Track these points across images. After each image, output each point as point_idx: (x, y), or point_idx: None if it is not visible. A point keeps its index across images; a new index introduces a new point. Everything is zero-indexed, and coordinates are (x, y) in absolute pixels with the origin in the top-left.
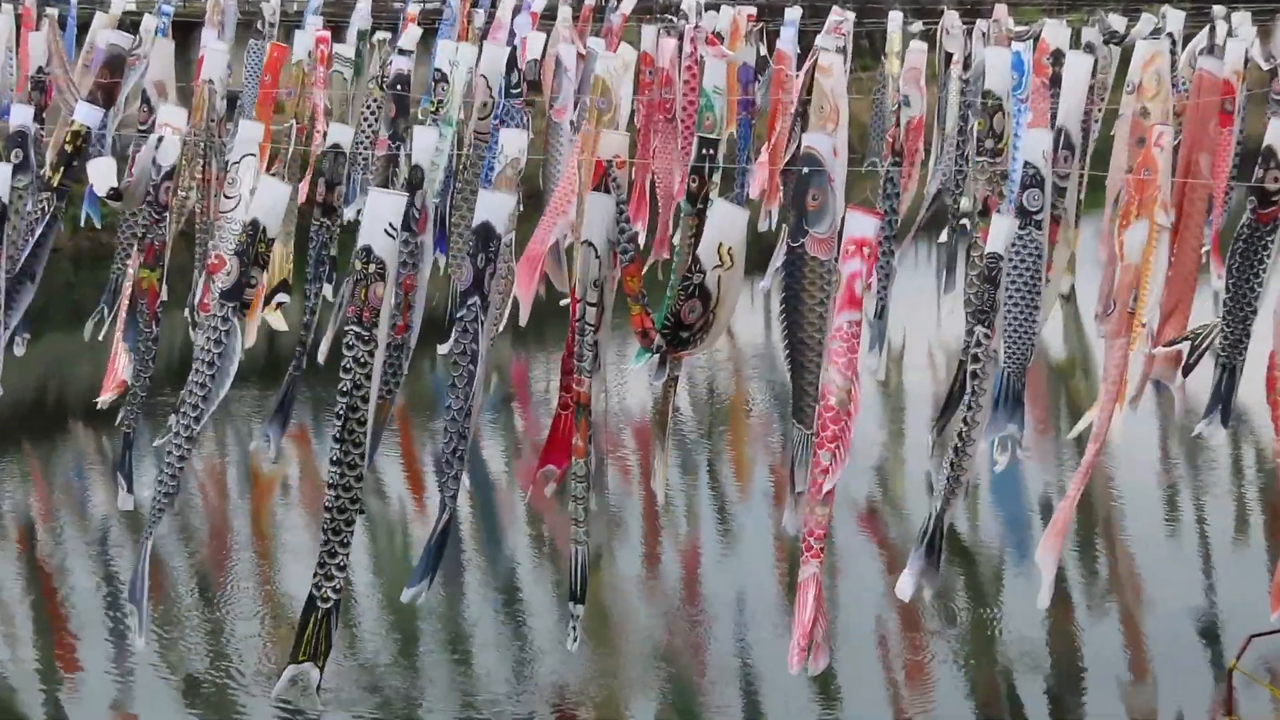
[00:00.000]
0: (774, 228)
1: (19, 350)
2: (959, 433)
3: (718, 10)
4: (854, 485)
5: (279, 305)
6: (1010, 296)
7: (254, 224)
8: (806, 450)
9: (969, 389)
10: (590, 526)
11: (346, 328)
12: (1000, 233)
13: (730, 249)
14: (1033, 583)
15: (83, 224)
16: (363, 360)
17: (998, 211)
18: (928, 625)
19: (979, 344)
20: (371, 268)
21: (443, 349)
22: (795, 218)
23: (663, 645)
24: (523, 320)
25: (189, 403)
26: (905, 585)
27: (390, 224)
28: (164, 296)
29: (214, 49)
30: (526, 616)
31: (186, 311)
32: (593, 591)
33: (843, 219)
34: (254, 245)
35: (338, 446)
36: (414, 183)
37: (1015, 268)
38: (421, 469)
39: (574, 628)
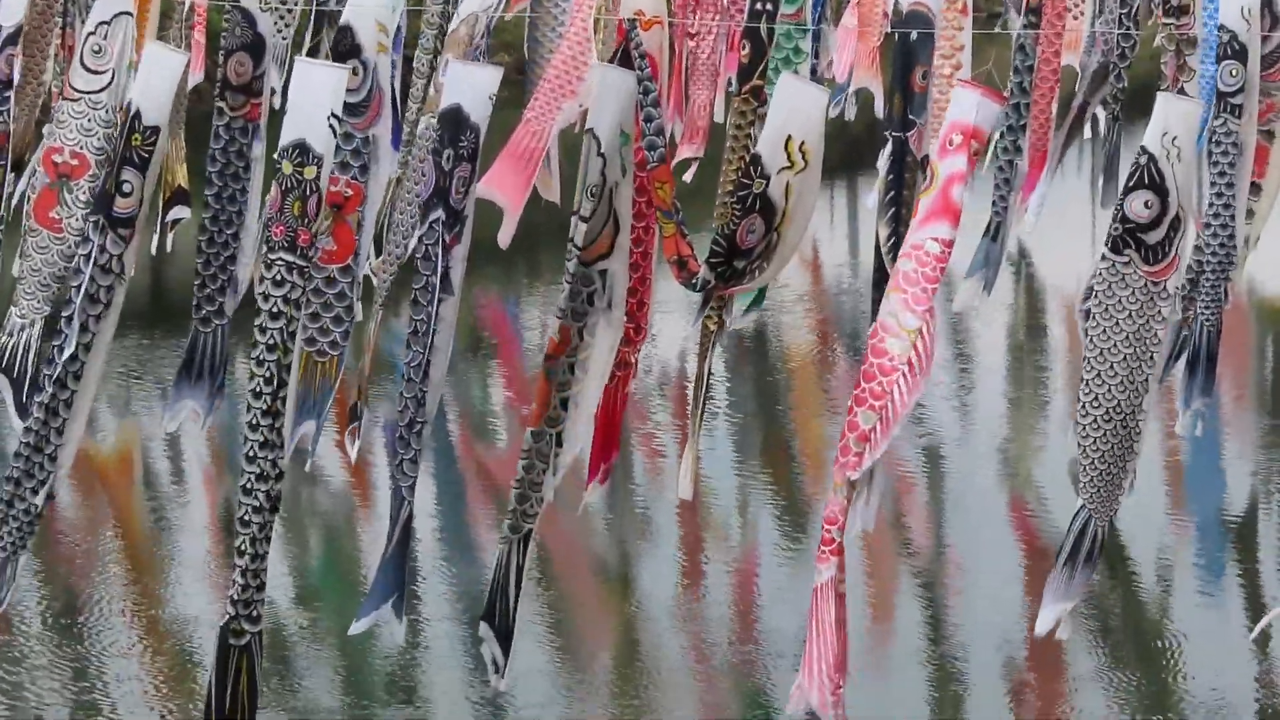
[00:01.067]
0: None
1: None
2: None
3: None
4: (955, 467)
5: (175, 223)
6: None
7: (129, 109)
8: None
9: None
10: (523, 516)
11: (271, 256)
12: (1163, 119)
13: (803, 144)
14: (1225, 615)
15: None
16: (297, 300)
17: (1177, 91)
18: (1071, 669)
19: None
20: (306, 171)
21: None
22: (898, 101)
23: (703, 695)
24: (503, 241)
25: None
26: (1045, 617)
27: (331, 110)
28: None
29: None
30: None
31: None
32: (611, 622)
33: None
34: (127, 139)
35: (253, 424)
36: (350, 51)
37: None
38: (370, 453)
39: (494, 661)
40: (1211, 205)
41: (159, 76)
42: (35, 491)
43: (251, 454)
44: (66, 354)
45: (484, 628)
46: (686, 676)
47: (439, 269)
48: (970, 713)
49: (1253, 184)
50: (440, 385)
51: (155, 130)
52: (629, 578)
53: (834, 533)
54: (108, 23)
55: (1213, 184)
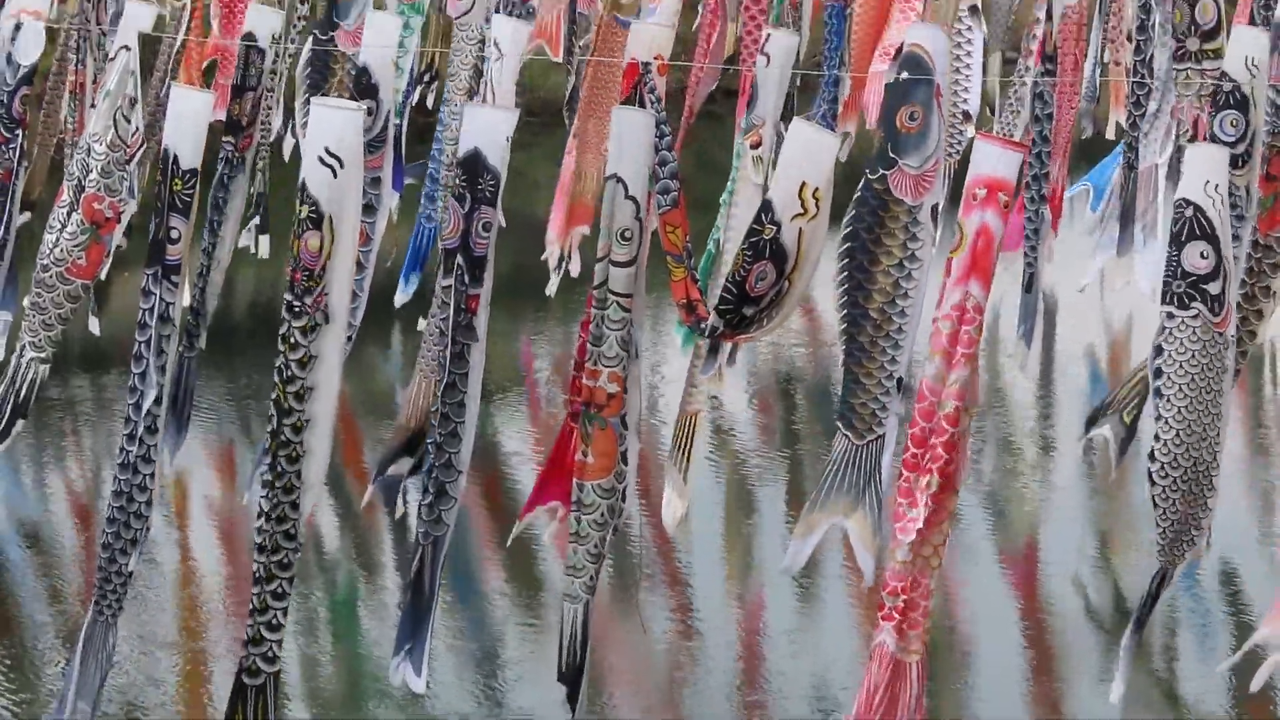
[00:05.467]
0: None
1: None
2: (1151, 451)
3: None
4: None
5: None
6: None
7: (166, 154)
8: (853, 469)
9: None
10: (595, 576)
11: (288, 298)
12: (1200, 168)
13: (816, 190)
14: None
15: None
16: (294, 342)
17: (1205, 139)
18: None
19: None
20: (305, 210)
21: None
22: (883, 141)
23: None
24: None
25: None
26: (1119, 683)
27: (327, 149)
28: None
29: None
30: (513, 700)
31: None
32: (617, 668)
33: (967, 143)
34: (169, 185)
35: (268, 461)
36: (364, 91)
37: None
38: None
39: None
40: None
41: (189, 118)
42: (125, 552)
43: (268, 492)
44: (145, 407)
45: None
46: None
47: (464, 318)
48: None
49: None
50: (472, 433)
51: (194, 173)
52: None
53: (887, 599)
54: (113, 58)
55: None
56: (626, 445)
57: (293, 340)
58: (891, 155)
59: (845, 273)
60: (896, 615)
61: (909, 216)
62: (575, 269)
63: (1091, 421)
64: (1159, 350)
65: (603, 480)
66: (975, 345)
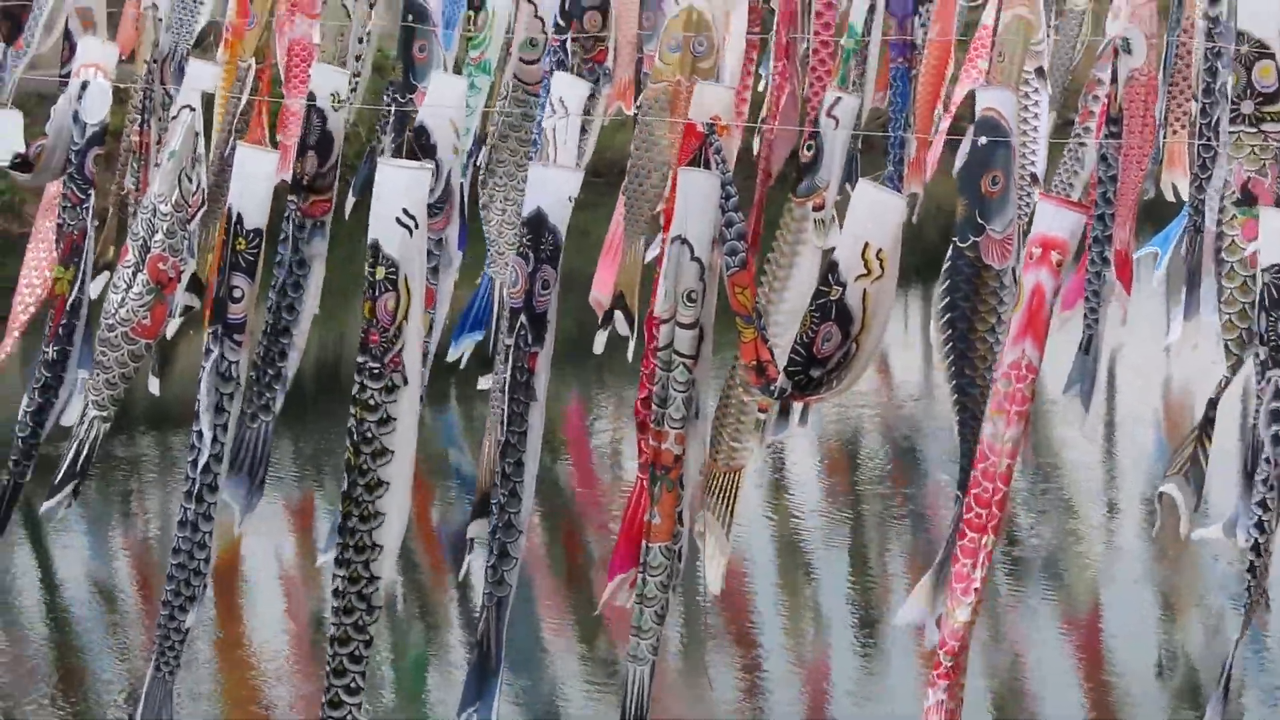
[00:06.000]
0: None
1: None
2: (1257, 520)
3: None
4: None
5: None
6: None
7: (230, 213)
8: None
9: (1270, 455)
10: (660, 637)
11: (360, 359)
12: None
13: (880, 251)
14: None
15: None
16: (373, 403)
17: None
18: None
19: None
20: (380, 272)
21: (484, 383)
22: (967, 208)
23: None
24: (598, 347)
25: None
26: None
27: (405, 209)
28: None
29: None
30: None
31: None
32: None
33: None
34: (232, 244)
35: (343, 523)
36: (423, 151)
37: None
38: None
39: None
40: None
41: (254, 178)
42: (185, 609)
43: (343, 559)
44: (200, 466)
45: None
46: None
47: (524, 377)
48: None
49: None
50: (531, 495)
51: (258, 233)
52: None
53: (944, 658)
54: (175, 117)
55: None
56: (684, 505)
57: (371, 401)
58: (980, 221)
59: (949, 343)
60: (953, 675)
61: (997, 281)
62: (624, 328)
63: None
64: (1275, 415)
65: (668, 542)
66: (1029, 404)
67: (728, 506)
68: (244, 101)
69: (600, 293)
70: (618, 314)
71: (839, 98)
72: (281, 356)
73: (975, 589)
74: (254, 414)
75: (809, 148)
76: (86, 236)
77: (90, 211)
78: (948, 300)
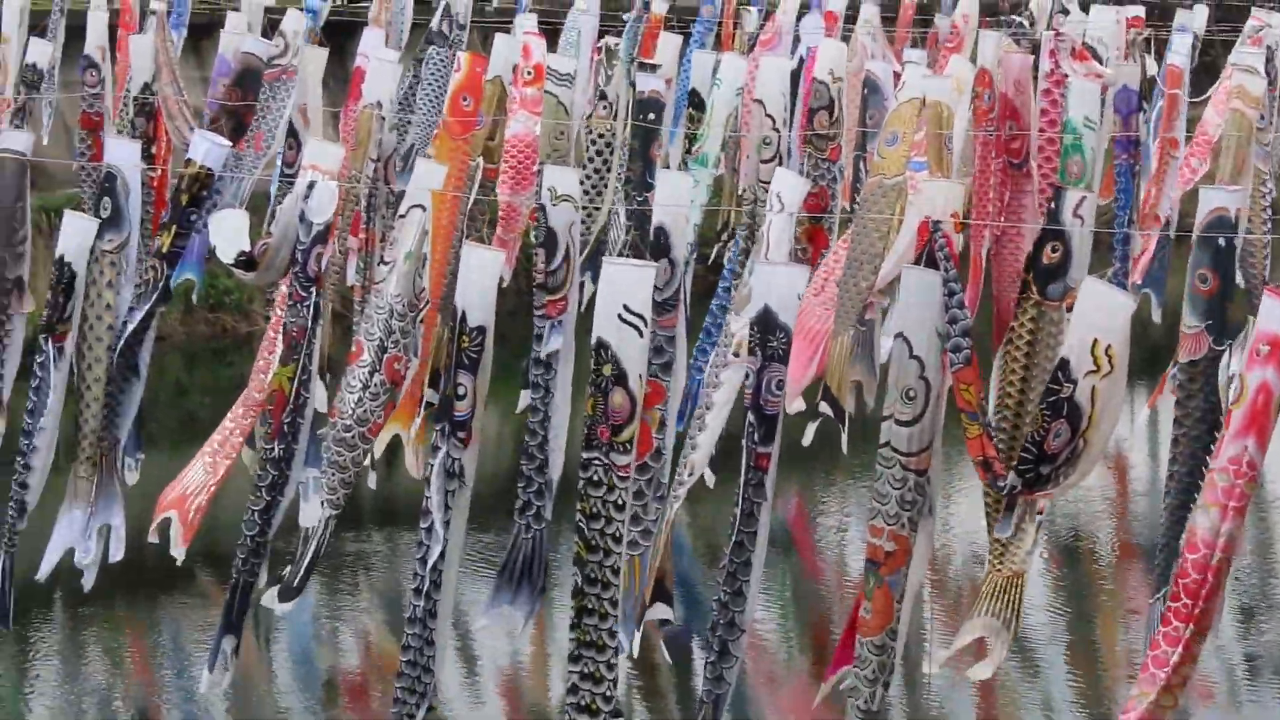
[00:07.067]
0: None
1: (131, 477)
2: None
3: (1086, 10)
4: None
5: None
6: None
7: (456, 310)
8: None
9: None
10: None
11: (587, 455)
12: None
13: (1109, 348)
14: None
15: (196, 299)
16: (620, 502)
17: None
18: None
19: None
20: (608, 369)
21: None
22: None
23: None
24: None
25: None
26: None
27: (626, 306)
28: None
29: (381, 59)
30: None
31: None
32: None
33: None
34: (457, 341)
35: (574, 623)
36: (659, 251)
37: None
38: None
39: None
40: None
41: (479, 275)
42: (419, 706)
43: (576, 654)
44: (430, 563)
45: None
46: None
47: (754, 476)
48: None
49: None
50: (756, 592)
51: (482, 330)
52: None
53: None
54: (404, 216)
55: None
56: (901, 607)
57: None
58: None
59: (1182, 442)
60: None
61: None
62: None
63: None
64: None
65: (875, 637)
66: (1247, 500)
67: (1013, 610)
68: (470, 200)
69: (796, 383)
70: (823, 405)
71: (1083, 197)
72: (542, 470)
73: (1174, 677)
74: (526, 525)
75: (1054, 249)
76: (307, 334)
77: (313, 310)
78: (1183, 402)
